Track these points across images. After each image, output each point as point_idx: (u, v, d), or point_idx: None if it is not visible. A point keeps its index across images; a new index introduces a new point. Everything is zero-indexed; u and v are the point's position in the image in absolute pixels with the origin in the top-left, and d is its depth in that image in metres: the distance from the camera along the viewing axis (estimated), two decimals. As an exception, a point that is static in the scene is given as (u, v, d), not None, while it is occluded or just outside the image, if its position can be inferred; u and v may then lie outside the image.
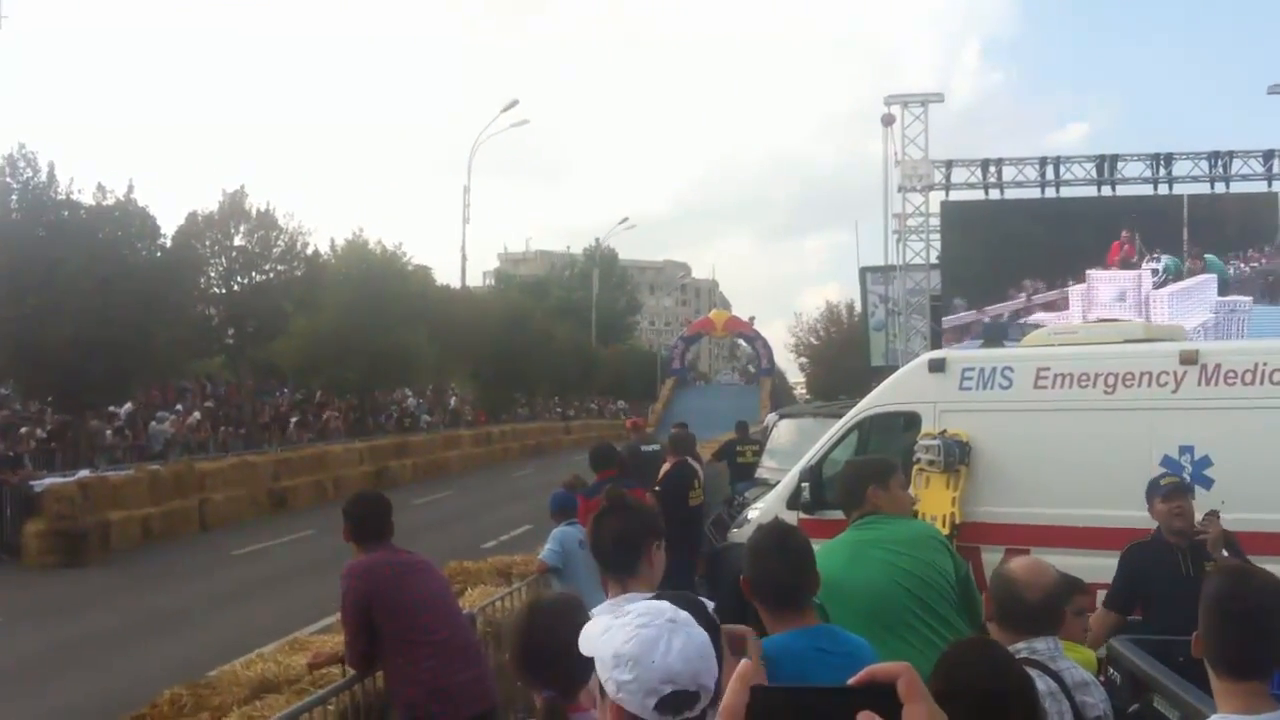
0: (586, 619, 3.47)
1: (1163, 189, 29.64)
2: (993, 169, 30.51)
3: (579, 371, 62.83)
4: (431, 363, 43.52)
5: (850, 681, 1.23)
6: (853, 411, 10.70)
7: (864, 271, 42.53)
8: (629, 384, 72.36)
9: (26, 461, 21.61)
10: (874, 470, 4.86)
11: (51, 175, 26.33)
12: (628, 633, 2.29)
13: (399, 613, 5.67)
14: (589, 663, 3.37)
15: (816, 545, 4.08)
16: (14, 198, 25.82)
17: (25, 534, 19.76)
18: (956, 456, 9.38)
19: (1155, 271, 29.08)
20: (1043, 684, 3.33)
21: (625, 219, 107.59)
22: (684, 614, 2.35)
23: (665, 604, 2.39)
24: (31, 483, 20.50)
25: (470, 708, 5.66)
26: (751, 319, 69.18)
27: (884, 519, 4.71)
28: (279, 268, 36.35)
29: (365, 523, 5.90)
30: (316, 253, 38.42)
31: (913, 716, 1.20)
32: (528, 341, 52.73)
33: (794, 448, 14.54)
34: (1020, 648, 3.47)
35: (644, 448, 13.54)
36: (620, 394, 72.33)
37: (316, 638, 8.37)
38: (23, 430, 23.53)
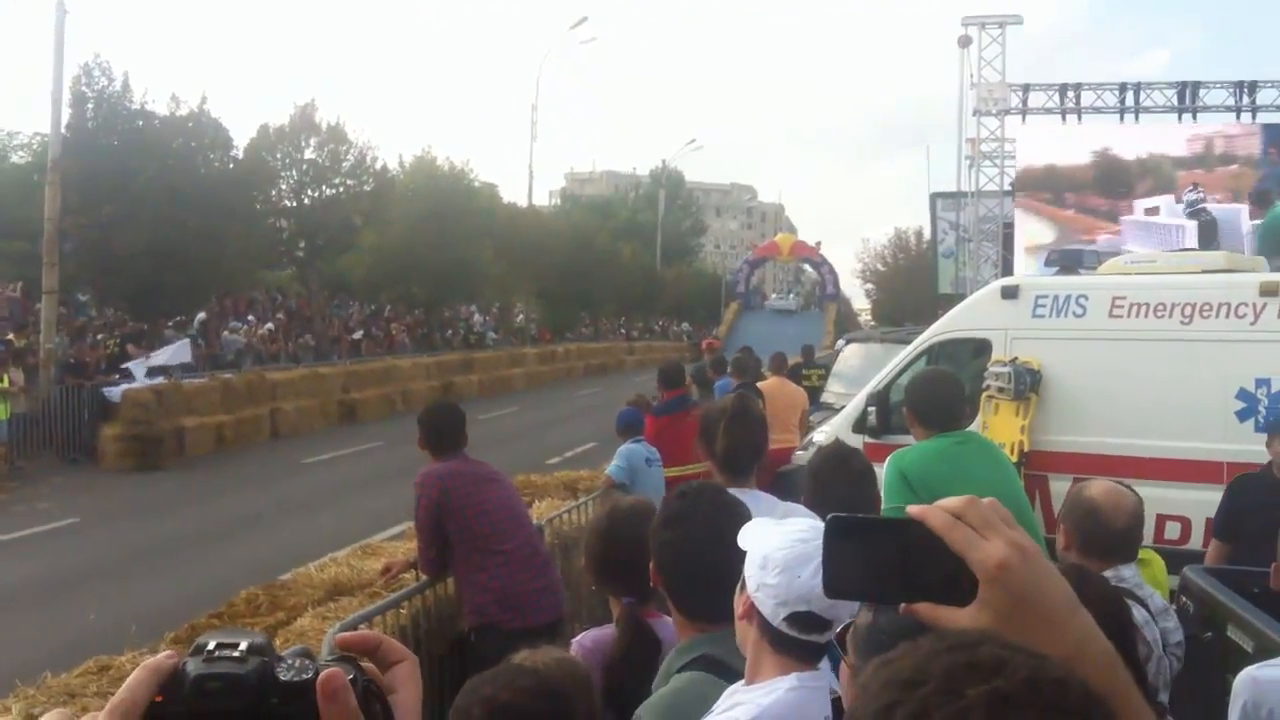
0: None
1: (1245, 118, 28.89)
2: (1070, 94, 29.87)
3: (643, 292, 62.87)
4: (497, 280, 43.75)
5: (911, 511, 1.20)
6: (922, 337, 10.64)
7: (934, 197, 41.98)
8: (692, 306, 72.31)
9: (103, 367, 22.04)
10: (964, 392, 4.87)
11: (126, 85, 26.52)
12: (786, 541, 2.34)
13: (471, 521, 5.78)
14: None
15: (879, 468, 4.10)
16: (89, 107, 26.05)
17: (102, 438, 20.27)
18: (1027, 384, 9.30)
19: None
20: (1138, 612, 3.31)
21: (693, 140, 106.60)
22: None
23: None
24: (108, 388, 20.96)
25: (538, 616, 5.76)
26: (818, 244, 68.82)
27: (975, 436, 4.71)
28: (348, 182, 36.45)
29: (440, 432, 6.00)
30: (385, 168, 38.51)
31: (971, 565, 1.16)
32: (593, 261, 52.79)
33: (860, 373, 14.50)
34: (1108, 576, 3.42)
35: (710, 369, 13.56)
36: (684, 316, 72.31)
37: (388, 544, 8.54)
38: (99, 336, 24.00)
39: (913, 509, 1.20)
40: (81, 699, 5.03)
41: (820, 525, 2.47)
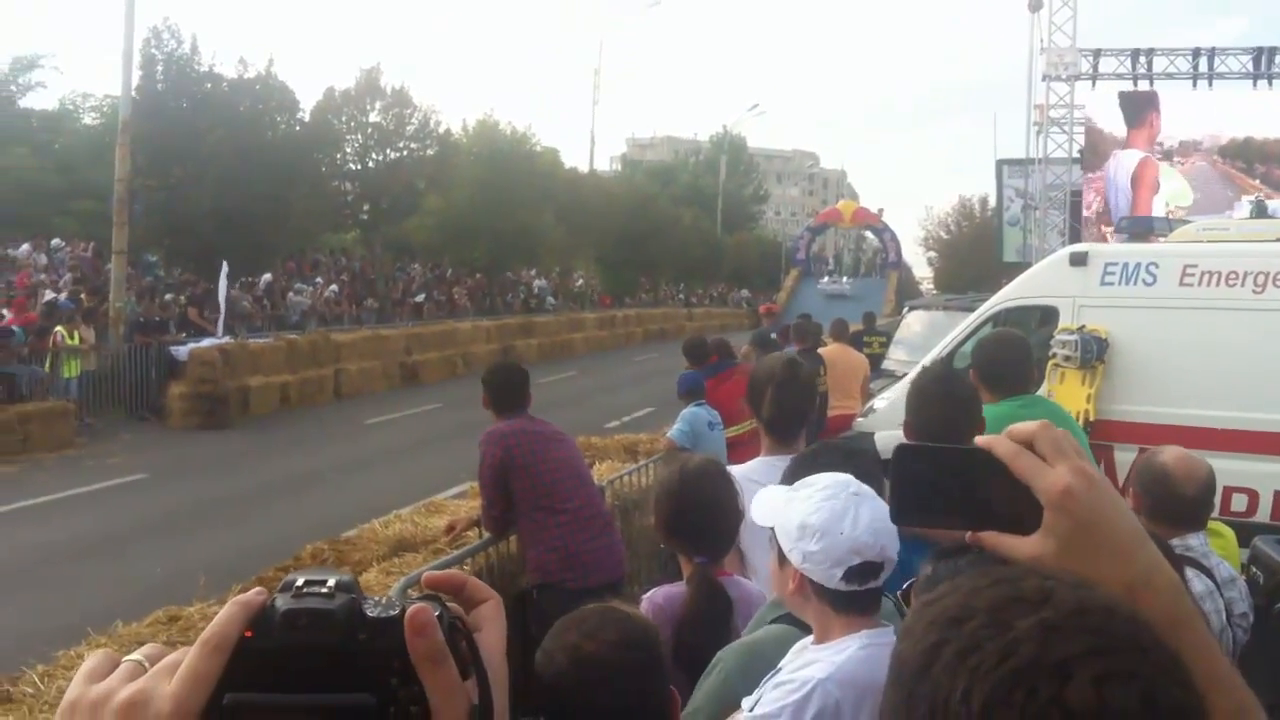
0: (733, 485, 3.54)
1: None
2: (1143, 59, 29.25)
3: (703, 258, 62.70)
4: (557, 244, 43.87)
5: (979, 441, 1.20)
6: (987, 304, 10.54)
7: (1000, 164, 41.43)
8: (752, 273, 72.00)
9: (171, 327, 22.38)
10: (1032, 355, 4.82)
11: (195, 48, 26.85)
12: (813, 504, 2.34)
13: (534, 480, 5.82)
14: (734, 527, 3.45)
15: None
16: (159, 69, 26.38)
17: (169, 396, 20.60)
18: (1094, 352, 9.19)
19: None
20: (1200, 583, 3.28)
21: (755, 105, 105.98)
22: (866, 486, 2.39)
23: (848, 476, 2.43)
24: (175, 347, 21.29)
25: (599, 576, 5.80)
26: (880, 211, 68.05)
27: (1043, 399, 4.67)
28: (412, 146, 36.74)
29: (504, 391, 6.05)
30: (449, 132, 38.74)
31: (1036, 491, 1.16)
32: (653, 227, 52.73)
33: (923, 340, 14.40)
34: (1174, 545, 3.38)
35: (774, 335, 13.53)
36: (743, 283, 72.05)
37: (451, 502, 8.64)
38: (167, 296, 24.37)
39: (980, 438, 1.20)
40: (152, 647, 5.13)
41: (836, 477, 2.48)
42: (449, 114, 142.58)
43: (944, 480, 1.19)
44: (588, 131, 73.54)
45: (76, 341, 19.52)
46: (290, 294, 29.48)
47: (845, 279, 73.82)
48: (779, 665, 2.38)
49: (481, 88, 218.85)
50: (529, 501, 5.85)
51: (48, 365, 18.99)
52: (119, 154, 22.15)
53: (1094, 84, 29.92)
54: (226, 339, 22.23)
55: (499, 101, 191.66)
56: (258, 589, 0.85)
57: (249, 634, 0.81)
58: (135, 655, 0.84)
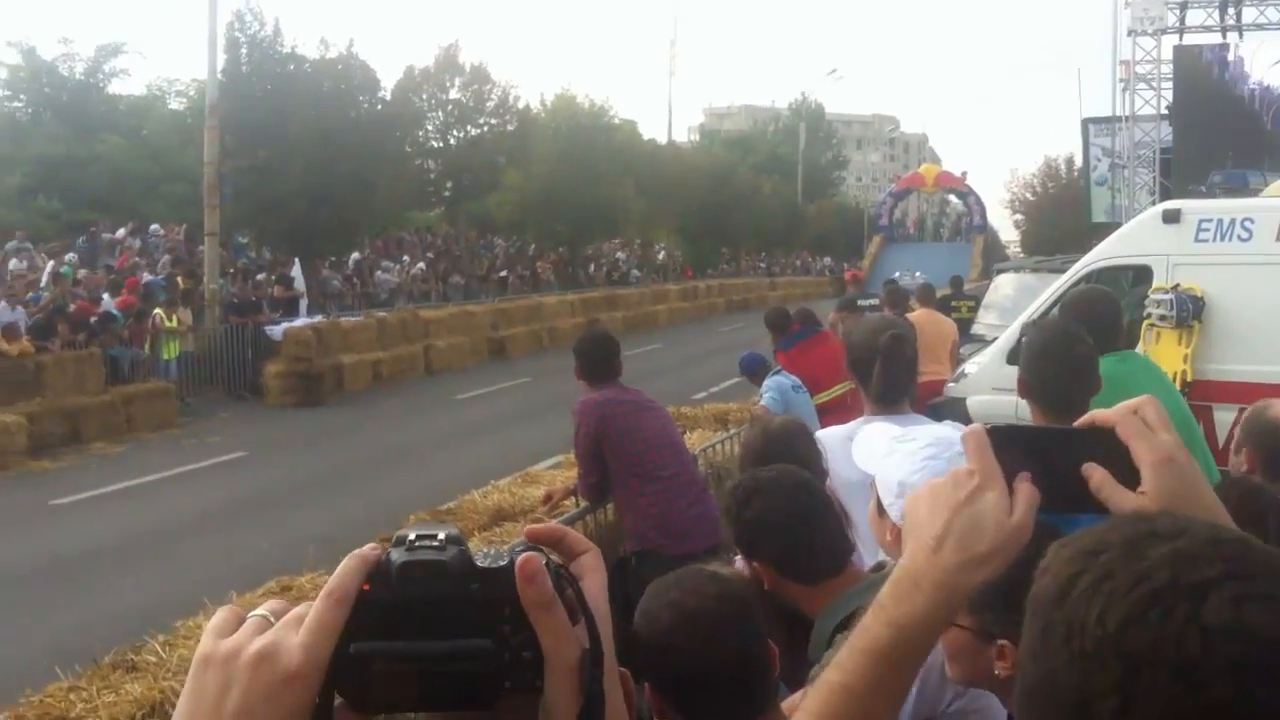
0: (815, 445, 3.59)
1: None
2: (1231, 10, 28.45)
3: (784, 227, 62.35)
4: (638, 217, 43.92)
5: (1078, 422, 1.26)
6: (1079, 264, 10.42)
7: (1086, 123, 40.56)
8: (834, 240, 71.44)
9: (264, 307, 22.85)
10: (1122, 312, 4.77)
11: (277, 30, 27.15)
12: (915, 462, 2.33)
13: (629, 448, 5.88)
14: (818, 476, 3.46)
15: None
16: (243, 52, 26.74)
17: (265, 375, 21.07)
18: (1190, 311, 9.06)
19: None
20: None
21: (833, 70, 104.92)
22: None
23: (954, 435, 2.44)
24: (270, 327, 21.76)
25: (696, 542, 5.84)
26: (964, 174, 67.13)
27: (1136, 355, 4.63)
28: (492, 122, 36.91)
29: (596, 361, 6.10)
30: (528, 107, 38.89)
31: (1139, 452, 1.21)
32: (733, 197, 52.49)
33: (1013, 303, 14.27)
34: None
35: (861, 301, 13.48)
36: (826, 250, 71.53)
37: (547, 472, 8.77)
38: (259, 277, 24.86)
39: (1081, 420, 1.26)
40: (266, 618, 5.31)
41: (941, 433, 2.49)
42: (527, 89, 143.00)
43: (1038, 461, 1.24)
44: (665, 103, 73.34)
45: (174, 324, 20.03)
46: (378, 272, 29.93)
47: (919, 273, 72.91)
48: None
49: (559, 62, 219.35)
50: (624, 469, 5.91)
51: (147, 347, 19.51)
52: (207, 137, 22.60)
53: (1181, 37, 29.20)
54: (319, 318, 22.65)
55: (576, 75, 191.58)
56: (372, 545, 0.88)
57: (367, 587, 0.84)
58: (260, 610, 0.88)
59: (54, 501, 13.44)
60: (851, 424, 4.00)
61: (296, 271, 24.28)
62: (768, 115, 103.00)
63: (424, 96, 35.53)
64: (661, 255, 51.93)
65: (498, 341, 28.36)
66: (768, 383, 8.90)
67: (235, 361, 21.46)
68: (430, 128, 36.06)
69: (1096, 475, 1.21)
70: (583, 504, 6.41)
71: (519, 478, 8.30)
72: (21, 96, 35.34)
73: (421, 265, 32.42)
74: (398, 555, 0.86)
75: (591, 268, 42.88)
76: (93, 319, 18.72)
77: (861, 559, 3.02)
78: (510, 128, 37.13)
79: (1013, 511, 1.22)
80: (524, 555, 0.86)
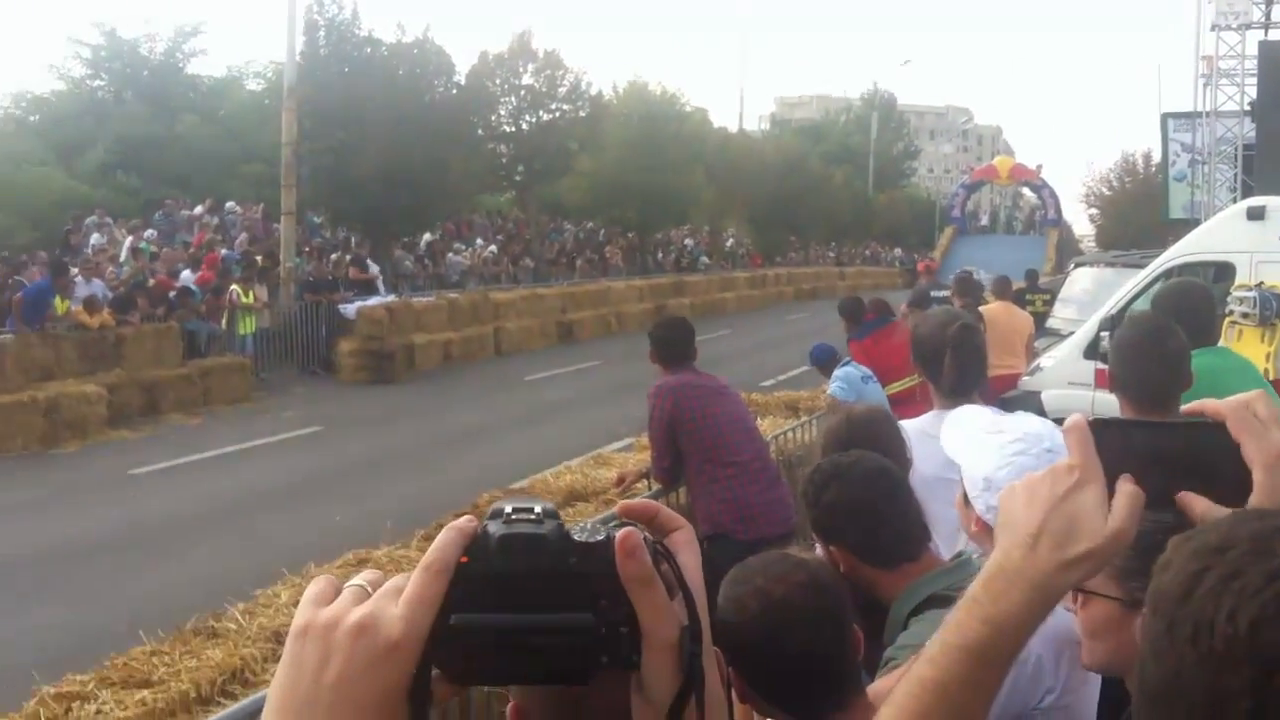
0: (899, 433, 3.59)
1: None
2: (1320, 5, 27.82)
3: (854, 217, 61.96)
4: (708, 204, 43.86)
5: (1185, 409, 1.23)
6: (1159, 260, 10.30)
7: (1165, 118, 39.81)
8: (905, 231, 70.87)
9: (339, 285, 23.15)
10: (1215, 305, 4.68)
11: (355, 14, 27.41)
12: (1003, 457, 2.33)
13: (703, 432, 5.87)
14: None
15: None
16: (321, 35, 27.04)
17: (339, 352, 21.36)
18: (1273, 310, 8.89)
19: None
20: None
21: (907, 60, 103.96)
22: (1060, 443, 2.39)
23: (1043, 430, 2.43)
24: (344, 305, 22.04)
25: (769, 528, 5.82)
26: (1039, 167, 66.21)
27: (1228, 351, 4.55)
28: (564, 108, 37.03)
29: (671, 345, 6.11)
30: (600, 94, 38.96)
31: (1250, 451, 1.18)
32: (803, 186, 52.23)
33: (1090, 298, 14.08)
34: None
35: (934, 292, 13.41)
36: (896, 241, 70.97)
37: (619, 455, 8.83)
38: (334, 256, 25.17)
39: (1194, 404, 1.24)
40: (342, 589, 5.42)
41: (1031, 428, 2.47)
42: (599, 76, 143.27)
43: (1144, 455, 1.21)
44: (737, 92, 73.03)
45: (251, 300, 20.34)
46: (450, 254, 30.19)
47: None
48: None
49: (631, 49, 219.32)
50: (698, 454, 5.91)
51: (224, 322, 19.84)
52: (285, 118, 22.90)
53: (1266, 32, 28.56)
54: (392, 297, 22.91)
55: (649, 63, 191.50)
56: (468, 516, 0.88)
57: (465, 559, 0.84)
58: (358, 580, 0.87)
59: (133, 471, 13.75)
60: (923, 418, 3.99)
61: (370, 264, 24.63)
62: (840, 105, 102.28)
63: (497, 81, 35.69)
64: (730, 243, 51.81)
65: (566, 325, 28.55)
66: (837, 373, 8.88)
67: (309, 338, 21.77)
68: (503, 112, 36.25)
69: (1199, 506, 1.19)
70: (655, 487, 6.44)
71: (590, 459, 8.39)
72: (103, 76, 35.95)
73: (493, 248, 32.66)
74: (495, 528, 0.85)
75: (660, 254, 42.88)
76: (171, 293, 19.08)
77: (938, 549, 3.01)
78: (582, 114, 37.22)
79: (1113, 514, 1.18)
80: (624, 530, 0.85)
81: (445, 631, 0.83)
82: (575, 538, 0.85)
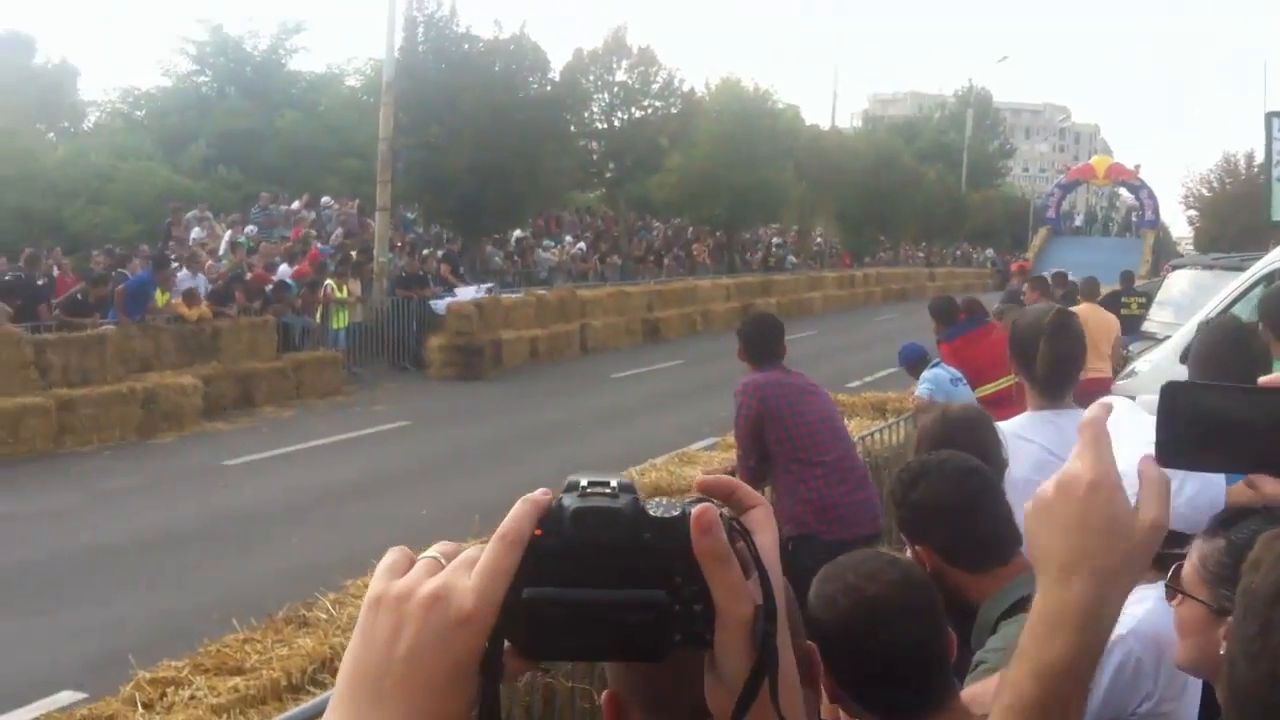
0: (996, 433, 3.54)
1: None
2: None
3: (946, 216, 61.19)
4: (797, 202, 43.64)
5: (1262, 381, 1.19)
6: (1261, 263, 10.07)
7: (1270, 117, 38.64)
8: (998, 232, 69.85)
9: (430, 281, 23.42)
10: None
11: (453, 10, 27.68)
12: (1129, 469, 2.31)
13: (791, 431, 5.80)
14: (998, 476, 3.42)
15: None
16: (420, 31, 27.37)
17: (429, 347, 21.62)
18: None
19: None
20: None
21: (1004, 57, 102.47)
22: None
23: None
24: (434, 301, 22.30)
25: (856, 529, 5.75)
26: (1137, 167, 64.87)
27: None
28: (656, 104, 37.09)
29: (759, 343, 6.05)
30: (692, 91, 38.97)
31: None
32: (895, 184, 51.74)
33: (1188, 300, 13.76)
34: None
35: (1021, 294, 13.21)
36: (988, 242, 69.97)
37: (704, 453, 8.83)
38: (425, 252, 25.47)
39: (1265, 378, 1.21)
40: (435, 579, 5.49)
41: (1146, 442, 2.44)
42: (692, 73, 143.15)
43: (1217, 420, 1.18)
44: (829, 88, 72.57)
45: (345, 294, 20.67)
46: (539, 250, 30.39)
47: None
48: None
49: (725, 46, 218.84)
50: (785, 453, 5.85)
51: (318, 317, 20.18)
52: (383, 114, 23.19)
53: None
54: (482, 293, 23.12)
55: (741, 60, 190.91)
56: (543, 490, 0.87)
57: (539, 532, 0.83)
58: (431, 551, 0.88)
59: (227, 461, 14.05)
60: (1018, 419, 3.92)
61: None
62: (933, 102, 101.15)
63: (591, 78, 35.85)
64: (819, 242, 51.50)
65: (652, 323, 28.58)
66: (925, 375, 8.81)
67: (400, 333, 22.07)
68: (595, 109, 36.40)
69: (1268, 486, 1.16)
70: (743, 486, 6.41)
71: (675, 457, 8.40)
72: (207, 71, 36.73)
73: (581, 245, 32.81)
74: (570, 501, 0.85)
75: (747, 253, 42.78)
76: (268, 287, 19.45)
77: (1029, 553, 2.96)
78: (674, 110, 37.23)
79: (1142, 505, 1.12)
80: (700, 506, 0.84)
81: (517, 605, 0.82)
82: (650, 513, 0.84)
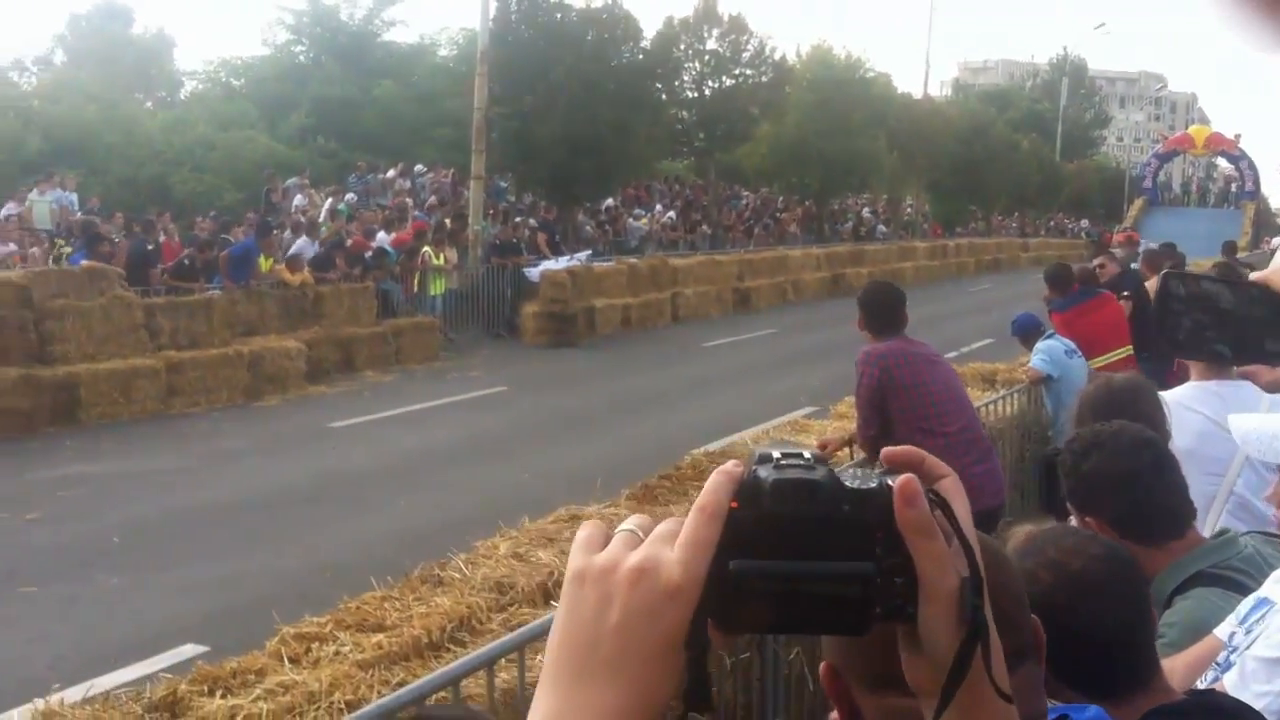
0: (1161, 404, 3.49)
1: None
2: None
3: (1040, 187, 60.13)
4: (889, 172, 43.17)
5: (1255, 276, 1.22)
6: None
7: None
8: (1092, 202, 68.53)
9: (523, 249, 23.57)
10: None
11: (546, -20, 27.76)
12: None
13: (913, 401, 5.73)
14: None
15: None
16: (512, 1, 27.46)
17: (523, 315, 21.79)
18: None
19: None
20: None
21: (1101, 24, 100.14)
22: None
23: None
24: (528, 269, 22.45)
25: (981, 501, 5.67)
26: (1237, 136, 63.18)
27: None
28: (747, 73, 36.82)
29: (880, 311, 5.97)
30: (783, 59, 38.60)
31: None
32: (987, 153, 50.99)
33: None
34: None
35: (1134, 265, 12.99)
36: (1082, 212, 68.68)
37: (814, 421, 8.79)
38: (518, 220, 25.64)
39: (1256, 274, 1.22)
40: (558, 543, 5.55)
41: None
42: (784, 41, 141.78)
43: (1213, 309, 1.21)
44: (921, 55, 71.41)
45: (442, 262, 20.88)
46: (629, 219, 30.42)
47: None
48: (1265, 596, 2.25)
49: (816, 13, 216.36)
50: (908, 423, 5.78)
51: (415, 284, 20.41)
52: (477, 83, 23.30)
53: None
54: (575, 261, 23.23)
55: (832, 27, 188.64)
56: (734, 461, 0.87)
57: (735, 504, 0.83)
58: (628, 525, 0.87)
59: (332, 424, 14.30)
60: (1183, 389, 3.87)
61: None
62: (1026, 70, 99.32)
63: (682, 47, 35.69)
64: (909, 211, 50.91)
65: (743, 292, 28.49)
66: (1040, 345, 8.71)
67: (495, 301, 22.27)
68: (686, 78, 36.24)
69: (1266, 375, 1.19)
70: (859, 455, 6.39)
71: (786, 424, 8.36)
72: (304, 41, 37.24)
73: (671, 214, 32.77)
74: (766, 473, 0.84)
75: (839, 223, 42.44)
76: (367, 254, 19.70)
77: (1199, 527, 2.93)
78: (765, 79, 36.94)
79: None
80: (904, 477, 0.84)
81: (722, 577, 0.82)
82: (847, 484, 0.84)
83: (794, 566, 0.82)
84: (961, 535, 0.86)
